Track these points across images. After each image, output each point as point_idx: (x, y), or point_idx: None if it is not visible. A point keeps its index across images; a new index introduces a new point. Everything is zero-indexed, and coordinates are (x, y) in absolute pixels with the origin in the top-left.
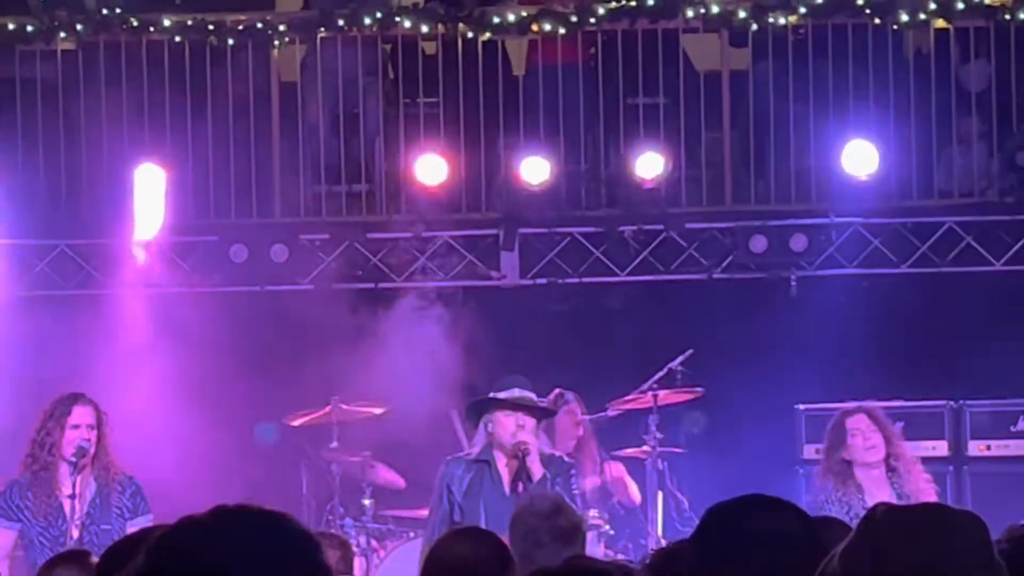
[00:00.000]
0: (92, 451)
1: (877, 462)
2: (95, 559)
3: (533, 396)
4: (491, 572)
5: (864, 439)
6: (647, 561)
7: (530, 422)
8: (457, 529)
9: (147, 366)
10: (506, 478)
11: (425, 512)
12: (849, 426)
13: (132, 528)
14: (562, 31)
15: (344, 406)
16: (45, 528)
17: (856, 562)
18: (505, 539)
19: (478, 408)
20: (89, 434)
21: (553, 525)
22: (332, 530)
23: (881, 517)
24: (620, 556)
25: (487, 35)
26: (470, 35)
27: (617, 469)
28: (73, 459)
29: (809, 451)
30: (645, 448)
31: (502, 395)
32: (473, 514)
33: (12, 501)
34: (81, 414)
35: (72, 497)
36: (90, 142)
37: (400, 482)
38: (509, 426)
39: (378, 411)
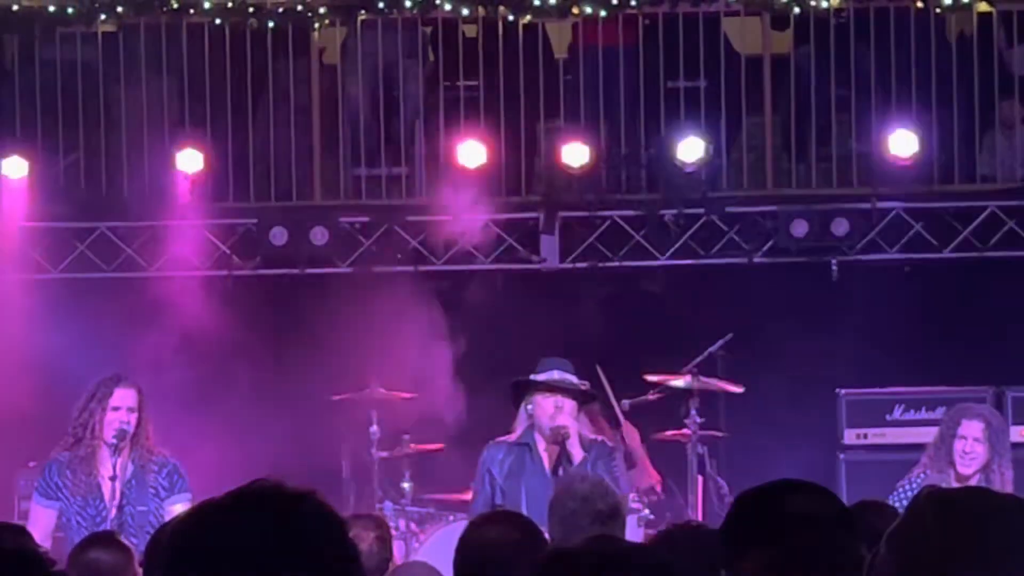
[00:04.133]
0: (132, 432)
1: (973, 473)
2: (123, 539)
3: (573, 378)
4: (522, 555)
5: (967, 446)
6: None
7: (568, 404)
8: (488, 513)
9: (187, 348)
10: (547, 460)
11: (464, 495)
12: (960, 430)
13: (169, 506)
14: (603, 14)
15: (382, 389)
16: (82, 508)
17: (902, 545)
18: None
19: (518, 390)
20: (129, 416)
21: (592, 509)
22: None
23: (925, 500)
24: None
25: (528, 18)
26: (511, 18)
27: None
28: (113, 441)
29: (850, 436)
30: (685, 432)
31: (541, 377)
32: (514, 497)
33: (51, 479)
34: (122, 396)
35: (112, 479)
36: (130, 125)
37: (438, 444)
38: (548, 408)
39: (414, 396)
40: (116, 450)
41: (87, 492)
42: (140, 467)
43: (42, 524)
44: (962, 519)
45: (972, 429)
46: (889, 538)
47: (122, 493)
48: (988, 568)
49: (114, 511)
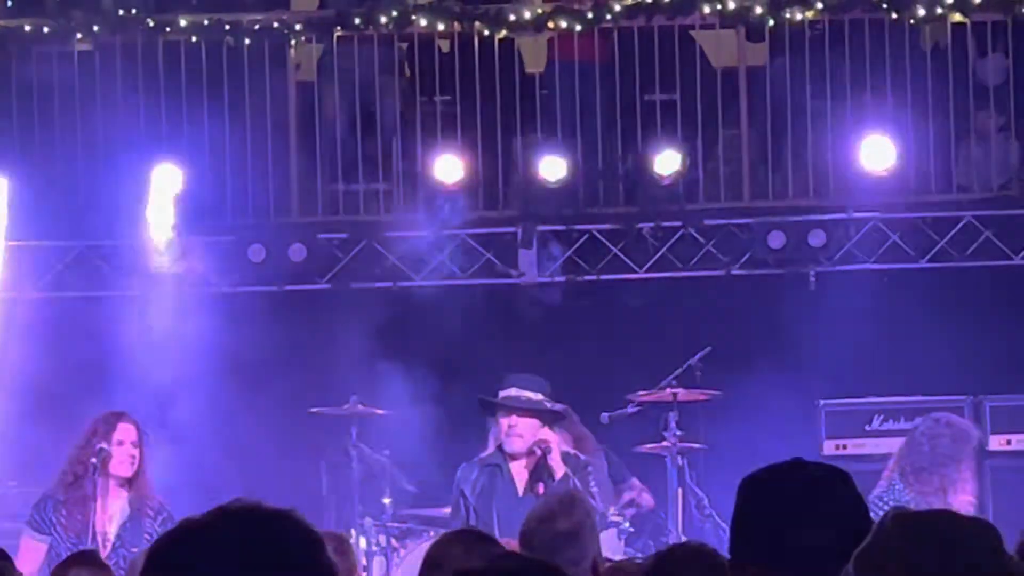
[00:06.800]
0: (135, 470)
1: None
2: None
3: (531, 395)
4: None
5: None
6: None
7: (524, 421)
8: (455, 531)
9: (166, 366)
10: (519, 479)
11: (443, 511)
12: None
13: None
14: (578, 28)
15: (361, 406)
16: (76, 545)
17: (868, 565)
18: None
19: (485, 409)
20: (133, 451)
21: (548, 528)
22: (346, 529)
23: (891, 522)
24: (639, 554)
25: (503, 33)
26: (486, 33)
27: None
28: (123, 474)
29: (829, 446)
30: (665, 444)
31: (500, 395)
32: (487, 516)
33: (46, 514)
34: (126, 431)
35: (95, 499)
36: (108, 143)
37: (418, 460)
38: (502, 426)
39: (393, 412)
40: (123, 483)
41: (81, 531)
42: (136, 510)
43: (31, 558)
44: (928, 541)
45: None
46: (857, 558)
47: (117, 535)
48: None
49: (107, 550)
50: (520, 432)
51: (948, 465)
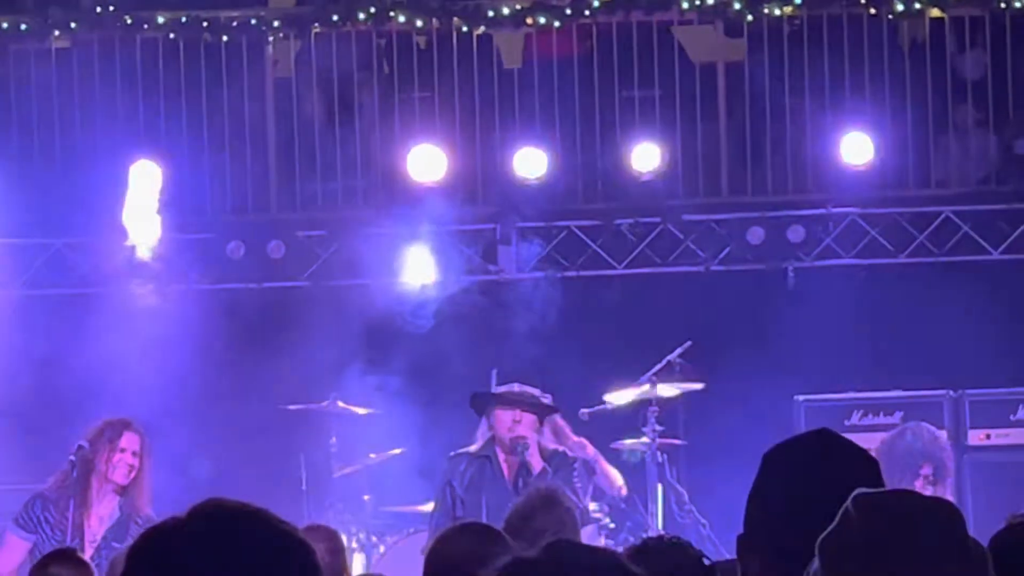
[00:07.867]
0: (133, 477)
1: None
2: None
3: (534, 391)
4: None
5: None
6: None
7: (528, 417)
8: (460, 524)
9: (144, 364)
10: (507, 473)
11: (422, 508)
12: (923, 471)
13: None
14: (556, 24)
15: (341, 403)
16: (61, 543)
17: (830, 549)
18: None
19: (478, 403)
20: (134, 460)
21: (529, 526)
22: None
23: (853, 505)
24: (620, 550)
25: (481, 28)
26: (464, 29)
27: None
28: (119, 481)
29: None
30: (644, 440)
31: (501, 389)
32: (475, 508)
33: (33, 512)
34: (130, 440)
35: (77, 495)
36: (85, 140)
37: (397, 449)
38: (506, 421)
39: (374, 411)
40: (118, 489)
41: (68, 530)
42: (126, 515)
43: (12, 555)
44: (887, 520)
45: (928, 470)
46: (821, 543)
47: (103, 536)
48: (912, 568)
49: (92, 551)
50: (527, 424)
51: (892, 481)
